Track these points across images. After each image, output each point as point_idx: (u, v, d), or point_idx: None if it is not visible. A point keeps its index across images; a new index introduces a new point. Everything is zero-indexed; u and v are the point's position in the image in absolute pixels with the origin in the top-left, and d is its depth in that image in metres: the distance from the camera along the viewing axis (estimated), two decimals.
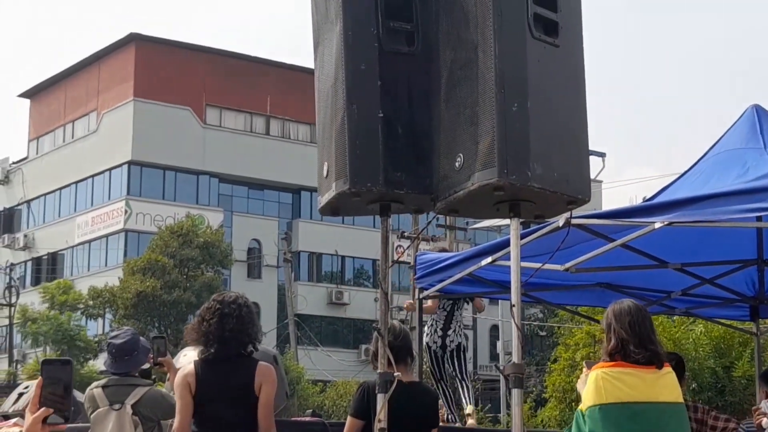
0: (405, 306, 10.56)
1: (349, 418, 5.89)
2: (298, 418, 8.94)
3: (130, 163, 49.81)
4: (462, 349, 9.88)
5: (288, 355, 40.90)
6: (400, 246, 28.21)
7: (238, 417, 5.43)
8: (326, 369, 44.75)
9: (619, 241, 6.97)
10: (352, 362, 46.55)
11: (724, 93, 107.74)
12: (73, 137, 54.35)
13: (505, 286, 8.25)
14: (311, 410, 8.87)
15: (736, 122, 7.60)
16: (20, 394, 7.50)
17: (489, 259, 7.52)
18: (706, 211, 6.02)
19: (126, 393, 6.48)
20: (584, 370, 5.84)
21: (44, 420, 3.16)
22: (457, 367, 9.76)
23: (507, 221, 5.19)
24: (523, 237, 6.28)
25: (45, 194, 54.77)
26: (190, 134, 50.78)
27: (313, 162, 5.72)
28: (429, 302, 9.43)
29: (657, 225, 6.32)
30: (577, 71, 5.00)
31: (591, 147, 5.16)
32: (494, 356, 49.33)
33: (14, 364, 46.61)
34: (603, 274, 8.37)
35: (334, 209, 5.29)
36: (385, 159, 4.98)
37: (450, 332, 9.75)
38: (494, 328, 49.42)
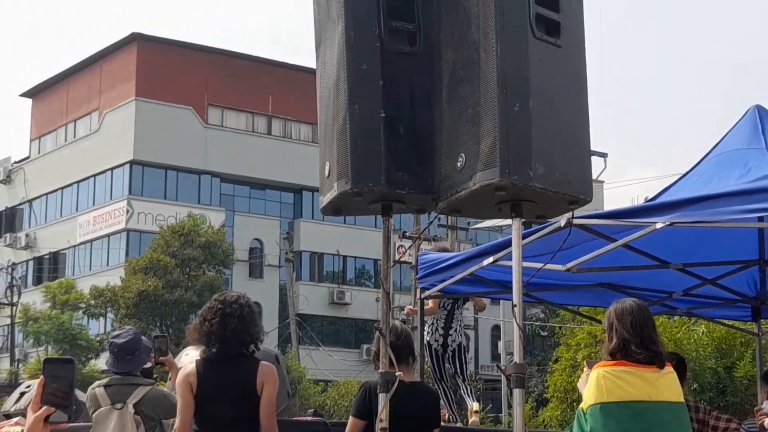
0: (405, 312, 10.59)
1: (351, 418, 5.88)
2: (300, 418, 8.93)
3: (131, 162, 49.83)
4: (462, 348, 9.89)
5: (289, 355, 40.90)
6: (401, 246, 28.19)
7: (239, 417, 5.43)
8: (328, 369, 44.75)
9: (620, 242, 6.97)
10: (354, 362, 46.56)
11: (725, 93, 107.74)
12: (74, 137, 54.37)
13: (506, 286, 8.25)
14: (313, 410, 8.86)
15: (737, 123, 7.60)
16: (22, 393, 7.49)
17: (491, 259, 7.51)
18: (707, 212, 6.02)
19: (128, 392, 6.49)
20: (585, 369, 5.84)
21: (46, 419, 3.16)
22: (458, 367, 9.77)
23: (508, 221, 5.19)
24: (524, 237, 6.28)
25: (47, 194, 54.79)
26: (192, 134, 50.79)
27: (314, 162, 5.72)
28: (430, 303, 9.43)
29: (658, 225, 6.32)
30: (579, 71, 5.01)
31: (592, 147, 5.16)
32: (496, 356, 49.28)
33: (16, 364, 46.65)
34: (604, 274, 8.37)
35: (336, 209, 5.29)
36: (387, 159, 4.98)
37: (452, 331, 9.76)
38: (496, 328, 49.38)
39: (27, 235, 54.76)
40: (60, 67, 60.36)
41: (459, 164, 4.82)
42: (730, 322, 11.15)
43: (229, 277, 46.71)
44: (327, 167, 5.15)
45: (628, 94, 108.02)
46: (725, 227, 6.76)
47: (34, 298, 46.81)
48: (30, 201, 55.82)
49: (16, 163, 57.93)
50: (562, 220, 6.35)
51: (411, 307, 10.51)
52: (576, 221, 6.34)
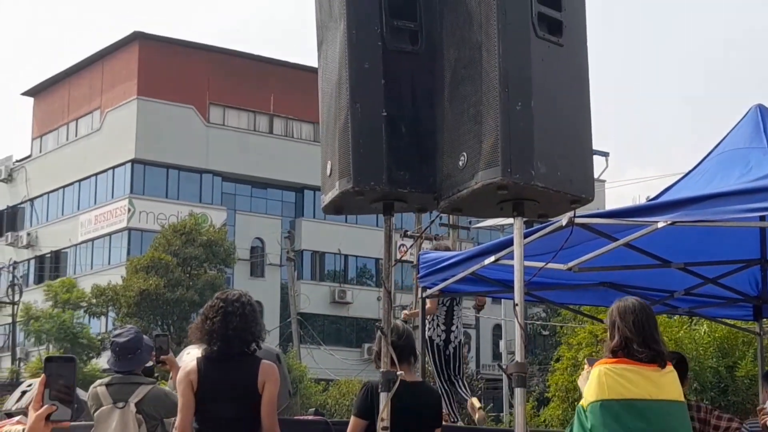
0: (403, 317, 10.61)
1: (352, 417, 5.88)
2: (301, 417, 8.92)
3: (133, 161, 49.84)
4: (461, 346, 9.92)
5: (291, 354, 40.91)
6: (403, 245, 28.14)
7: (240, 415, 5.43)
8: (329, 368, 44.75)
9: (622, 241, 6.97)
10: (355, 361, 46.57)
11: (725, 93, 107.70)
12: (76, 135, 54.38)
13: (508, 285, 8.25)
14: (314, 409, 8.86)
15: (739, 122, 7.60)
16: (23, 392, 7.49)
17: (492, 258, 7.51)
18: (709, 211, 6.01)
19: (129, 391, 6.49)
20: (586, 366, 5.85)
21: (47, 417, 3.16)
22: (456, 365, 9.77)
23: (510, 220, 5.19)
24: (526, 236, 6.28)
25: (48, 192, 54.82)
26: (194, 133, 50.80)
27: (316, 161, 5.72)
28: (428, 303, 9.44)
29: (660, 224, 6.32)
30: (581, 71, 5.00)
31: (594, 146, 5.16)
32: (497, 355, 49.26)
33: (17, 362, 46.66)
34: (606, 273, 8.37)
35: (338, 208, 5.29)
36: (389, 158, 4.98)
37: (453, 327, 9.78)
38: (497, 327, 49.37)
39: (28, 234, 54.78)
40: (61, 66, 60.49)
41: (461, 163, 4.82)
42: (731, 322, 11.15)
43: (231, 276, 46.70)
44: (329, 166, 5.15)
45: (627, 94, 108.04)
46: (727, 226, 6.76)
47: (36, 297, 46.85)
48: (31, 200, 55.84)
49: (17, 161, 57.95)
50: (563, 219, 6.35)
51: (407, 312, 10.57)
52: (578, 220, 6.34)
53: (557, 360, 24.33)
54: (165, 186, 50.61)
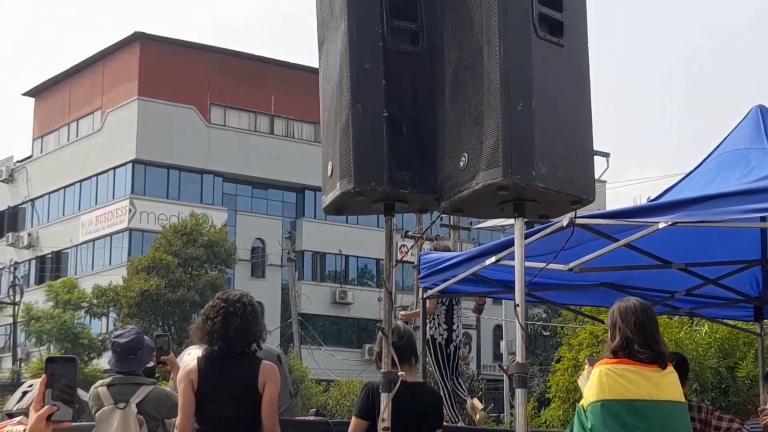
0: (401, 317, 10.64)
1: (353, 418, 5.88)
2: (302, 418, 8.93)
3: (134, 161, 49.85)
4: (461, 345, 9.95)
5: (291, 355, 40.92)
6: (404, 245, 28.15)
7: (240, 416, 5.43)
8: (330, 368, 44.76)
9: (623, 241, 6.97)
10: (356, 362, 46.57)
11: (726, 93, 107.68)
12: (77, 136, 54.39)
13: (508, 286, 8.25)
14: (315, 409, 8.87)
15: (740, 123, 7.60)
16: (24, 393, 7.49)
17: (493, 259, 7.51)
18: (709, 212, 6.01)
19: (131, 392, 6.49)
20: (587, 366, 5.85)
21: (48, 418, 3.16)
22: (454, 365, 9.78)
23: (511, 221, 5.19)
24: (527, 237, 6.28)
25: (49, 193, 54.83)
26: (195, 133, 50.81)
27: (317, 161, 5.72)
28: (427, 303, 9.44)
29: (661, 225, 6.32)
30: (582, 71, 5.00)
31: (595, 147, 5.16)
32: (498, 356, 49.25)
33: (18, 363, 46.66)
34: (607, 274, 8.37)
35: (339, 208, 5.29)
36: (390, 158, 4.98)
37: (454, 326, 9.80)
38: (498, 328, 49.36)
39: (29, 235, 54.79)
40: (61, 67, 60.43)
41: (462, 164, 4.82)
42: (732, 322, 11.14)
43: (231, 276, 46.70)
44: (329, 167, 5.15)
45: (627, 94, 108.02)
46: (728, 227, 6.76)
47: (37, 298, 46.86)
48: (32, 200, 55.85)
49: (18, 162, 57.96)
50: (564, 220, 6.35)
51: (404, 312, 10.58)
52: (578, 221, 6.34)
53: (558, 360, 24.31)
54: (166, 186, 50.61)
